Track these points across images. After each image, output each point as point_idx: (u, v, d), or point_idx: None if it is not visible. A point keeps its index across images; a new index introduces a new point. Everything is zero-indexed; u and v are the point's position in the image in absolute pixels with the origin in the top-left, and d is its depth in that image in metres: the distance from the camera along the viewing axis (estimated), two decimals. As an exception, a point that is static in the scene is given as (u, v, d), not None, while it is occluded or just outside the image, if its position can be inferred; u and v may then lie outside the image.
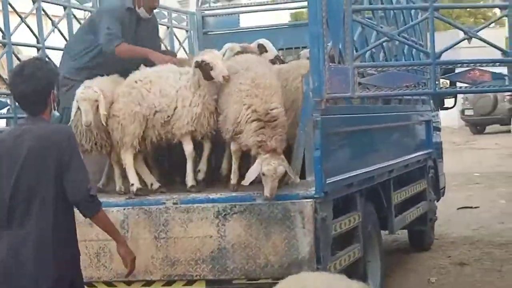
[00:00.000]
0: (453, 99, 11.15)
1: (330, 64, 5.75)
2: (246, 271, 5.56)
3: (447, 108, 11.04)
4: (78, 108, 6.09)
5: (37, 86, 4.30)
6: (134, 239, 5.67)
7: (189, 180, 6.04)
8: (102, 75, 6.49)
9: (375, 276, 7.08)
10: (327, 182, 5.64)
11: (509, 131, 23.57)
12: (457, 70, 5.97)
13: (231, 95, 5.83)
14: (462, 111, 30.86)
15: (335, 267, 5.82)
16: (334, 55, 5.93)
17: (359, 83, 5.88)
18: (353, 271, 6.16)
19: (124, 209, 5.79)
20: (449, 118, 28.48)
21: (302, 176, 5.77)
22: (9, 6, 7.17)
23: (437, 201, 10.39)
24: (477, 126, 31.35)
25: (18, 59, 7.13)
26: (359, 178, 6.50)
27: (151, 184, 6.22)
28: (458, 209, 13.19)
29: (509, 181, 16.85)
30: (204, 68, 5.85)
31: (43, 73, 4.34)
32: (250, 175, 5.57)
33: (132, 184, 6.12)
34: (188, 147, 6.05)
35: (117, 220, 5.68)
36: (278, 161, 5.49)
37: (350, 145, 6.58)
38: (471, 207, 13.38)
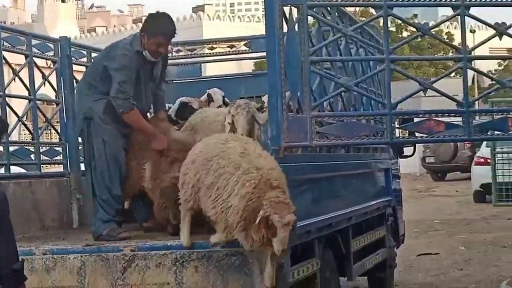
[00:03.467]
0: (412, 147, 11.29)
1: (288, 113, 5.84)
2: (203, 319, 5.56)
3: (406, 156, 11.15)
4: None
5: None
6: (91, 286, 5.65)
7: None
8: None
9: (334, 324, 7.11)
10: (284, 229, 5.66)
11: (469, 178, 23.88)
12: (416, 120, 6.07)
13: None
14: (423, 159, 31.28)
15: (293, 314, 5.83)
16: (292, 105, 6.02)
17: (317, 132, 5.97)
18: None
19: (81, 256, 5.76)
20: (411, 165, 28.84)
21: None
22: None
23: (397, 248, 10.45)
24: (438, 173, 31.79)
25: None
26: (318, 225, 6.53)
27: None
28: (418, 255, 13.28)
29: (468, 228, 17.04)
30: None
31: None
32: None
33: None
34: None
35: (74, 267, 5.67)
36: None
37: (309, 193, 6.62)
38: (431, 254, 13.48)
